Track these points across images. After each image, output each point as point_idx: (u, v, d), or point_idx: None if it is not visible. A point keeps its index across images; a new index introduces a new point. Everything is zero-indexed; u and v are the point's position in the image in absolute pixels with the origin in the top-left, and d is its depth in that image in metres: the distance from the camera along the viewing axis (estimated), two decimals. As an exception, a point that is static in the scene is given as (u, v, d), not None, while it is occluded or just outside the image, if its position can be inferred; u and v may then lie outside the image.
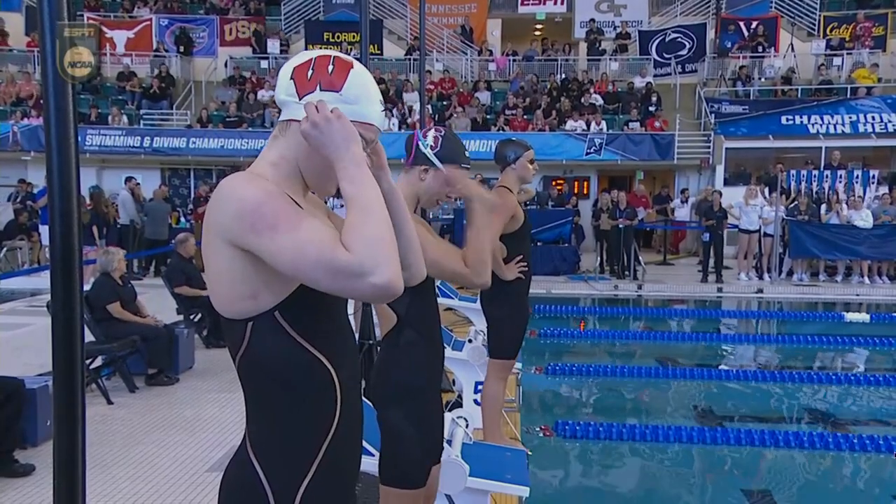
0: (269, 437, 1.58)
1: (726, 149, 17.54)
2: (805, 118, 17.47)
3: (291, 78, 1.60)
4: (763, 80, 19.46)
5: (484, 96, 19.43)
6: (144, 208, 14.34)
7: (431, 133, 2.69)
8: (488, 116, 18.60)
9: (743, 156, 18.03)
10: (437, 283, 3.78)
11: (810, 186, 15.62)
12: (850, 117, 17.32)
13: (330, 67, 1.59)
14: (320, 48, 18.42)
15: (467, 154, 2.77)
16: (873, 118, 17.22)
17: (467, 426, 3.65)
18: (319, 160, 1.58)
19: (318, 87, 1.58)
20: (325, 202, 1.84)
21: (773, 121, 17.60)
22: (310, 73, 1.59)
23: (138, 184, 15.26)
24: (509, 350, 4.56)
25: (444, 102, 19.11)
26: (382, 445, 2.64)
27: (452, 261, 2.59)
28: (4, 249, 13.89)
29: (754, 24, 20.33)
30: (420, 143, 2.67)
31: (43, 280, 10.20)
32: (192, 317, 8.27)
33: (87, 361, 6.09)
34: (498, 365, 4.58)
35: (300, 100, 1.58)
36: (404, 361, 2.61)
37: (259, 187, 1.50)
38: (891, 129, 17.10)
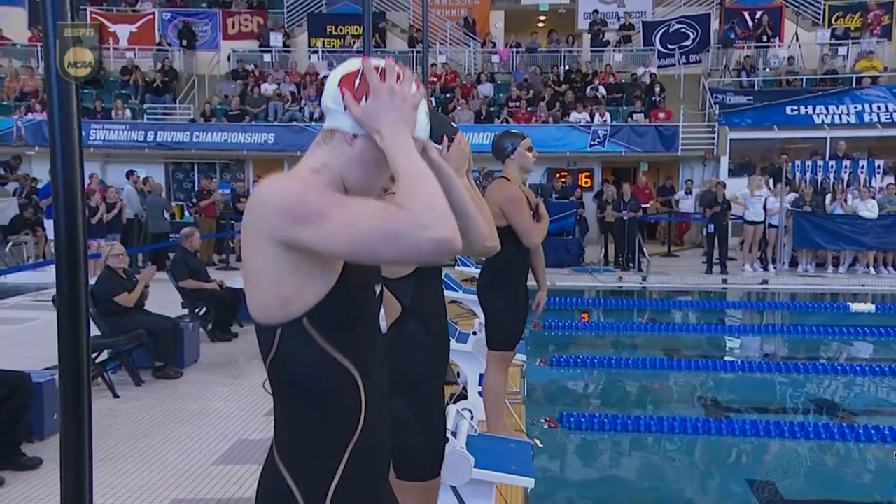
0: (295, 443, 1.59)
1: (731, 140, 17.50)
2: (810, 108, 17.40)
3: (339, 86, 1.59)
4: (768, 70, 19.39)
5: (487, 88, 19.38)
6: (145, 203, 14.38)
7: None
8: (491, 109, 18.56)
9: (747, 147, 17.97)
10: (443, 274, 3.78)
11: (815, 177, 15.57)
12: (856, 107, 17.25)
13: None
14: (323, 41, 18.15)
15: (453, 124, 2.80)
16: (879, 108, 17.15)
17: (472, 418, 3.66)
18: (363, 170, 1.59)
19: (363, 98, 1.56)
20: None
21: (778, 111, 17.54)
22: (357, 82, 1.57)
23: (140, 178, 15.30)
24: (505, 341, 4.54)
25: (448, 95, 19.06)
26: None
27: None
28: (10, 244, 13.93)
29: (759, 13, 20.25)
30: None
31: (48, 275, 10.18)
32: (197, 311, 8.29)
33: (93, 355, 6.11)
34: (496, 356, 4.58)
35: (346, 110, 1.57)
36: (408, 352, 2.61)
37: (299, 181, 1.52)
38: (896, 118, 17.02)
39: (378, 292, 1.73)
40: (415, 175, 1.46)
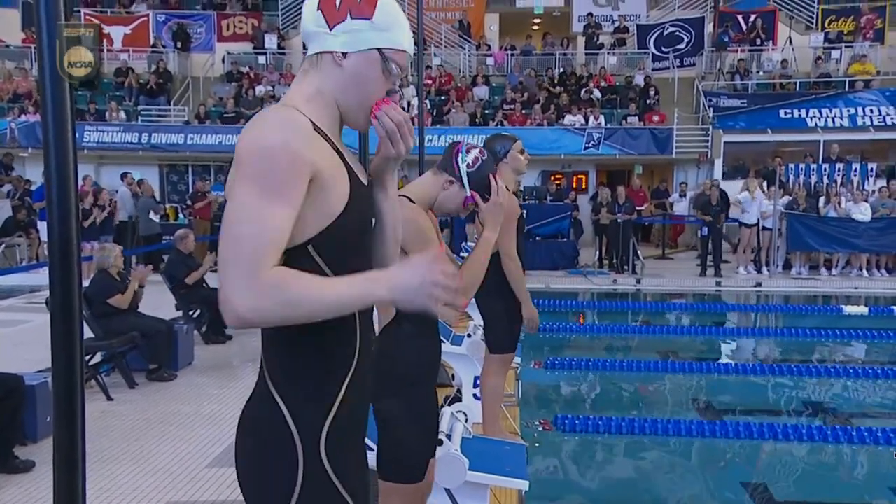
0: (292, 373, 1.56)
1: (725, 142, 17.55)
2: (803, 112, 17.47)
3: (319, 8, 1.57)
4: (761, 73, 19.46)
5: (482, 91, 19.40)
6: (137, 205, 14.37)
7: (475, 152, 2.70)
8: (486, 111, 18.58)
9: (741, 149, 18.03)
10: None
11: (809, 180, 15.62)
12: (849, 110, 17.33)
13: None
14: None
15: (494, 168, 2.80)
16: (871, 111, 17.22)
17: (466, 420, 3.65)
18: (358, 88, 1.58)
19: (348, 15, 1.55)
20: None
21: (772, 114, 17.61)
22: (338, 2, 1.56)
23: (134, 179, 15.27)
24: (506, 344, 4.56)
25: (442, 98, 19.08)
26: (380, 440, 2.64)
27: None
28: (3, 246, 13.87)
29: (752, 17, 20.32)
30: (460, 154, 2.68)
31: (41, 277, 10.19)
32: (191, 313, 8.28)
33: (87, 358, 6.09)
34: (496, 359, 4.59)
35: (331, 30, 1.56)
36: (401, 355, 2.61)
37: (281, 134, 1.45)
38: (889, 122, 17.10)
39: (373, 226, 1.74)
40: (331, 300, 1.43)
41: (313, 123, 1.53)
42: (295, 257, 1.49)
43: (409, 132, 1.62)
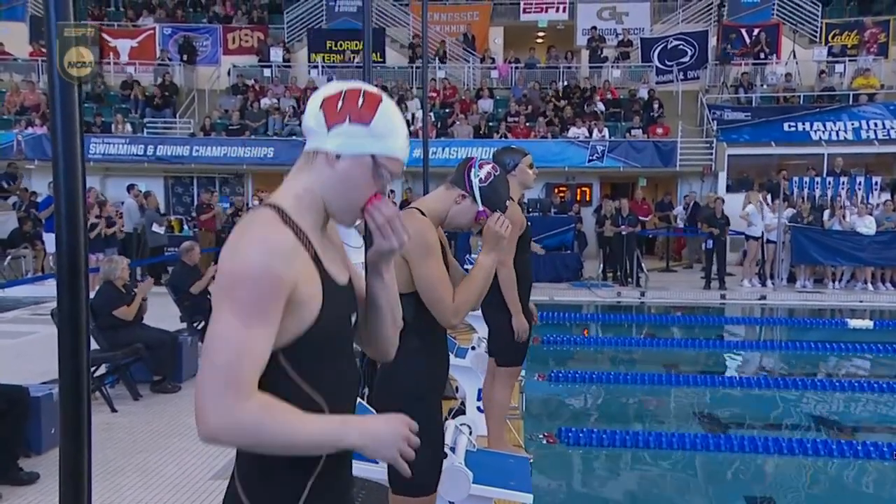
0: (256, 472, 1.57)
1: (729, 155, 17.56)
2: (807, 125, 17.47)
3: (321, 107, 1.60)
4: (765, 87, 19.49)
5: (486, 103, 19.46)
6: (145, 217, 14.44)
7: (487, 168, 2.74)
8: (490, 124, 18.63)
9: (745, 162, 18.04)
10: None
11: (813, 193, 15.61)
12: (853, 124, 17.33)
13: (360, 100, 1.60)
14: (323, 56, 18.14)
15: (507, 204, 2.83)
16: (876, 125, 17.22)
17: (471, 433, 3.66)
18: (346, 191, 1.60)
19: (347, 119, 1.58)
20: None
21: (776, 128, 17.62)
22: (339, 104, 1.59)
23: (140, 192, 15.34)
24: (514, 357, 4.56)
25: (447, 110, 19.14)
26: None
27: (443, 289, 2.60)
28: (9, 258, 13.92)
29: (756, 31, 20.38)
30: (473, 169, 2.71)
31: (46, 288, 10.22)
32: (195, 324, 8.29)
33: (92, 369, 6.10)
34: (503, 372, 4.58)
35: (329, 131, 1.58)
36: (408, 368, 2.62)
37: (262, 257, 1.47)
38: (893, 135, 17.09)
39: (354, 322, 1.74)
40: (288, 431, 1.46)
41: (296, 229, 1.54)
42: (266, 367, 1.51)
43: (402, 226, 1.64)
